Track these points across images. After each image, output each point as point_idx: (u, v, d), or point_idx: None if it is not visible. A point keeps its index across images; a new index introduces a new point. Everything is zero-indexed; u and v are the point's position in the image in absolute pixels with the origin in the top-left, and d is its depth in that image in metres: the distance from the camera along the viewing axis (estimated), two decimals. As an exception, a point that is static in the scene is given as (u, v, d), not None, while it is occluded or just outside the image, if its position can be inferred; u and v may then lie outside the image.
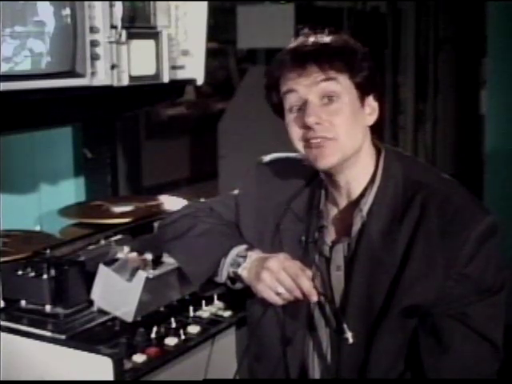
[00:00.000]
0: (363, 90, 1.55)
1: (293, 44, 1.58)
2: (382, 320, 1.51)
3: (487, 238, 1.48)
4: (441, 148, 5.63)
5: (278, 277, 1.52)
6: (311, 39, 1.55)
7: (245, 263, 1.60)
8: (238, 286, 1.65)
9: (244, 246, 1.64)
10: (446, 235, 1.48)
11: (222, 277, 1.64)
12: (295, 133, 1.55)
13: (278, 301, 1.54)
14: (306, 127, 1.52)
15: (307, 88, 1.51)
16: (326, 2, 5.02)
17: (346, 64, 1.52)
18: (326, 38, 1.55)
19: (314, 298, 1.51)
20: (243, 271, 1.59)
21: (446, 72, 5.59)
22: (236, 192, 1.81)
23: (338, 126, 1.51)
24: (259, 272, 1.55)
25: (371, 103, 1.58)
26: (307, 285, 1.50)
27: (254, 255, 1.60)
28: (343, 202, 1.62)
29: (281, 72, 1.55)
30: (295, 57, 1.53)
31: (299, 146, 1.56)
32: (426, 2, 5.51)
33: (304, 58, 1.51)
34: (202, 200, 1.92)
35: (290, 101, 1.55)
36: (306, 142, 1.53)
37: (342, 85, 1.52)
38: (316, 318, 1.63)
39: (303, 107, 1.52)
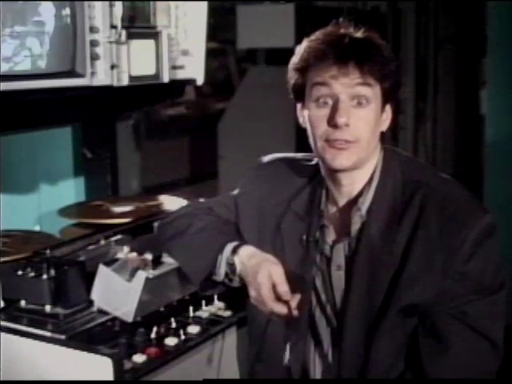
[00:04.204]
0: (387, 97, 1.55)
1: (330, 32, 1.54)
2: (381, 319, 1.51)
3: (486, 237, 1.48)
4: (441, 148, 5.63)
5: (259, 279, 1.53)
6: (350, 35, 1.52)
7: (236, 258, 1.60)
8: (236, 283, 1.65)
9: (236, 242, 1.65)
10: (445, 234, 1.48)
11: (220, 275, 1.64)
12: (320, 130, 1.53)
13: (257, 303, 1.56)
14: (332, 126, 1.50)
15: (343, 87, 1.50)
16: (326, 2, 5.02)
17: (382, 72, 1.51)
18: (364, 38, 1.53)
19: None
20: (238, 266, 1.60)
21: (446, 72, 5.59)
22: (235, 192, 1.81)
23: (362, 130, 1.51)
24: (253, 279, 1.55)
25: (388, 110, 1.58)
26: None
27: (245, 250, 1.61)
28: (343, 201, 1.61)
29: (317, 61, 1.52)
30: (337, 52, 1.49)
31: (319, 143, 1.54)
32: (426, 2, 5.50)
33: (347, 56, 1.49)
34: (202, 200, 1.91)
35: (320, 93, 1.52)
36: (328, 141, 1.52)
37: (374, 91, 1.51)
38: (317, 317, 1.63)
39: (333, 105, 1.50)
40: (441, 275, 1.47)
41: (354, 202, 1.59)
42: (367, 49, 1.51)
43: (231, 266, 1.62)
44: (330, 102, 1.51)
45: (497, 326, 1.51)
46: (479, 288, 1.48)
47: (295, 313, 1.52)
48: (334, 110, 1.50)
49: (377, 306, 1.51)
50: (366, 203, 1.56)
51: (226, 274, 1.64)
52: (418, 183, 1.55)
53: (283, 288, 1.51)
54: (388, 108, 1.58)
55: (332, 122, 1.50)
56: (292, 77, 1.59)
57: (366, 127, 1.52)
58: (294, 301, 1.51)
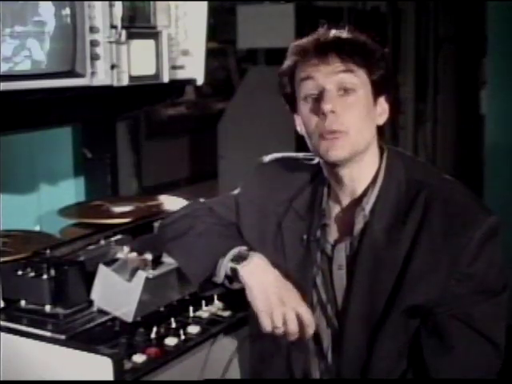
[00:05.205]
0: (377, 89, 1.56)
1: (314, 35, 1.58)
2: (384, 320, 1.51)
3: (490, 238, 1.48)
4: (441, 148, 5.63)
5: (287, 316, 1.53)
6: (333, 31, 1.56)
7: (245, 262, 1.59)
8: (236, 285, 1.65)
9: (245, 247, 1.64)
10: (450, 235, 1.48)
11: (220, 277, 1.64)
12: (312, 124, 1.54)
13: (267, 327, 1.54)
14: (322, 116, 1.52)
15: (326, 77, 1.52)
16: (326, 2, 5.02)
17: (365, 60, 1.53)
18: (347, 34, 1.56)
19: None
20: (243, 268, 1.59)
21: (446, 72, 5.59)
22: (236, 192, 1.81)
23: (351, 119, 1.52)
24: (269, 292, 1.55)
25: (383, 104, 1.59)
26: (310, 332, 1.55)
27: (257, 256, 1.60)
28: (346, 201, 1.62)
29: (300, 58, 1.56)
30: (317, 45, 1.54)
31: (314, 136, 1.55)
32: (425, 2, 5.51)
33: (326, 48, 1.52)
34: (202, 200, 1.91)
35: (307, 88, 1.54)
36: (320, 133, 1.53)
37: (360, 79, 1.53)
38: (317, 317, 1.62)
39: (320, 96, 1.52)
40: (445, 276, 1.47)
41: (357, 201, 1.59)
42: (347, 41, 1.54)
43: (233, 271, 1.61)
44: (317, 93, 1.53)
45: (499, 328, 1.51)
46: (483, 289, 1.48)
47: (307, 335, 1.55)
48: (320, 99, 1.52)
49: (379, 306, 1.51)
50: (369, 203, 1.56)
51: (226, 276, 1.64)
52: (422, 184, 1.55)
53: (311, 330, 1.55)
54: (382, 101, 1.59)
55: (319, 111, 1.52)
56: (283, 85, 1.62)
57: (355, 115, 1.52)
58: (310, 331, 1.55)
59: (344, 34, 1.56)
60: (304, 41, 1.58)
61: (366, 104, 1.54)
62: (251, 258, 1.60)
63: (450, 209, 1.50)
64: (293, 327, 1.53)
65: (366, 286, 1.53)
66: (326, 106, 1.50)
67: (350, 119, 1.52)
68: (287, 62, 1.60)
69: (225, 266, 1.62)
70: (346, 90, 1.52)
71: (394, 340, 1.51)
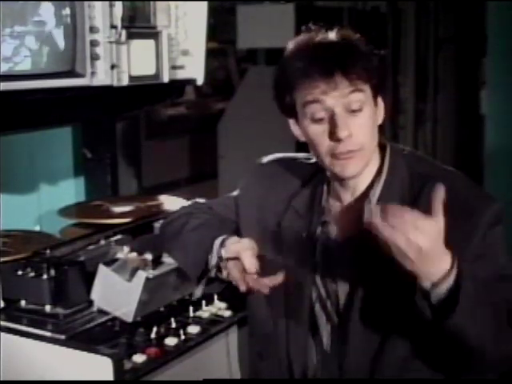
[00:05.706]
0: (376, 91, 1.56)
1: (305, 44, 1.54)
2: (394, 317, 1.49)
3: (496, 224, 1.49)
4: (441, 148, 5.63)
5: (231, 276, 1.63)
6: (325, 43, 1.52)
7: (223, 250, 1.63)
8: (225, 275, 1.66)
9: (224, 236, 1.66)
10: (458, 223, 1.47)
11: (212, 270, 1.66)
12: (323, 146, 1.53)
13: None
14: (335, 140, 1.50)
15: (335, 99, 1.49)
16: (326, 2, 5.02)
17: (369, 72, 1.51)
18: (341, 42, 1.52)
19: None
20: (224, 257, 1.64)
21: (446, 72, 5.59)
22: (235, 193, 1.82)
23: (364, 136, 1.52)
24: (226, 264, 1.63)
25: (379, 102, 1.59)
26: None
27: (229, 240, 1.65)
28: (347, 198, 1.62)
29: (302, 79, 1.51)
30: (320, 66, 1.48)
31: (326, 159, 1.54)
32: (426, 2, 5.51)
33: (331, 69, 1.48)
34: (202, 200, 1.92)
35: (314, 110, 1.51)
36: (333, 155, 1.52)
37: (365, 94, 1.52)
38: (317, 313, 1.62)
39: (330, 120, 1.50)
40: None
41: (360, 198, 1.59)
42: (348, 55, 1.50)
43: (220, 258, 1.64)
44: (326, 115, 1.51)
45: None
46: (499, 273, 1.46)
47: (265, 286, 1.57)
48: (333, 124, 1.50)
49: (388, 300, 1.50)
50: (375, 195, 1.57)
51: (218, 267, 1.65)
52: (425, 177, 1.55)
53: (250, 271, 1.59)
54: (380, 100, 1.59)
55: (334, 137, 1.50)
56: (279, 97, 1.58)
57: (367, 132, 1.53)
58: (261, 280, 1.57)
59: (334, 37, 1.52)
60: (301, 57, 1.52)
61: (372, 115, 1.54)
62: (226, 241, 1.65)
63: (456, 200, 1.49)
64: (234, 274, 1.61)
65: (371, 283, 1.52)
66: (343, 133, 1.48)
67: (363, 137, 1.51)
68: (285, 80, 1.54)
69: (215, 256, 1.65)
70: (354, 110, 1.50)
71: (405, 338, 1.49)
